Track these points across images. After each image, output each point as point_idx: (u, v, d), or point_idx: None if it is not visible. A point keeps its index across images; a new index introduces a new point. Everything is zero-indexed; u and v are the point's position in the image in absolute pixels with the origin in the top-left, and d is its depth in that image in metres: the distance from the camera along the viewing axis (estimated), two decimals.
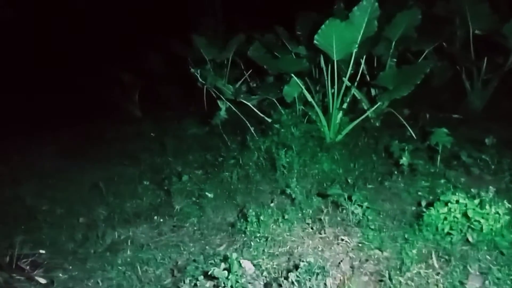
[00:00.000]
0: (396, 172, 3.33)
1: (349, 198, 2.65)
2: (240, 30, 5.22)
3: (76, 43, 7.67)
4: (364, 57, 4.09)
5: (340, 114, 4.17)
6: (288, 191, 2.98)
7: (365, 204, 2.62)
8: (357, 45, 3.63)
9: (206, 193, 3.21)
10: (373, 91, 4.68)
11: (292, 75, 3.97)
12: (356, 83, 4.21)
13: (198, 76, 3.75)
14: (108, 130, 5.50)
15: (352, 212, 2.65)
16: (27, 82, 7.31)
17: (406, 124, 4.18)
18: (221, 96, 4.12)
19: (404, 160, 3.20)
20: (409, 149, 3.27)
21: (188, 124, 5.11)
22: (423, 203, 2.67)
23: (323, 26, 3.47)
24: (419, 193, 2.97)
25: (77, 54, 7.53)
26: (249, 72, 5.49)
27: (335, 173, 3.38)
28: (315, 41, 3.60)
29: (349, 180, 3.29)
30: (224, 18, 5.96)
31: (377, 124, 4.54)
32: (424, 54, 4.48)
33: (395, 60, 4.48)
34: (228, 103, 4.10)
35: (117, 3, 7.55)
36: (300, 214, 2.78)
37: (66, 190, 3.58)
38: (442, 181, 3.08)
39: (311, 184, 3.24)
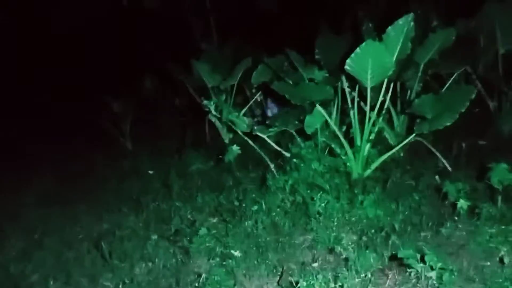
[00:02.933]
0: (450, 216, 2.86)
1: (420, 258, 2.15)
2: (246, 53, 4.77)
3: (62, 65, 7.05)
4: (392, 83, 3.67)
5: (368, 146, 3.71)
6: (332, 245, 2.48)
7: (439, 265, 2.13)
8: (393, 70, 3.19)
9: (232, 252, 2.67)
10: (395, 120, 4.28)
11: (317, 104, 3.49)
12: (384, 112, 3.78)
13: (212, 108, 3.23)
14: (98, 166, 4.89)
15: (425, 277, 2.15)
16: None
17: (439, 155, 3.79)
18: (235, 129, 3.60)
19: (462, 203, 2.73)
20: (465, 189, 2.82)
21: (190, 159, 4.54)
22: (506, 260, 2.20)
23: (358, 49, 3.03)
24: (491, 244, 2.49)
25: (62, 77, 6.91)
26: (253, 99, 5.04)
27: (379, 218, 2.88)
28: (346, 67, 3.14)
29: (396, 227, 2.81)
30: (226, 41, 5.49)
31: (401, 155, 4.10)
32: (453, 77, 4.09)
33: (421, 85, 4.09)
34: (244, 136, 3.58)
35: (111, 26, 7.02)
36: (357, 279, 2.26)
37: (57, 251, 2.96)
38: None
39: (357, 235, 2.73)
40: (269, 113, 5.27)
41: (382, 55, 3.04)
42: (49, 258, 2.85)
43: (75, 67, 6.86)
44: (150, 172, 4.50)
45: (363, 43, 3.01)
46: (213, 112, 3.26)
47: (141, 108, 5.64)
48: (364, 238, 2.69)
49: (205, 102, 3.18)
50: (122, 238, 3.01)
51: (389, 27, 3.25)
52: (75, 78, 6.67)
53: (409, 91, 4.16)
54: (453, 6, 4.80)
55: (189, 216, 3.27)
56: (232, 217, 3.14)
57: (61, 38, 7.17)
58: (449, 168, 3.71)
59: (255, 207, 3.11)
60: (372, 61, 3.05)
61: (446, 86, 4.14)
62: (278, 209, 3.10)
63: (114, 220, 3.39)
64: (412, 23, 3.25)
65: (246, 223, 3.01)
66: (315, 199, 2.94)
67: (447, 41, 3.71)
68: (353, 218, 2.87)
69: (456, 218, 2.79)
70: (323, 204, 2.93)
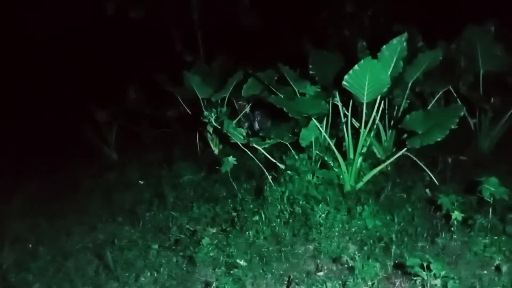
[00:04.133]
0: (444, 227, 2.99)
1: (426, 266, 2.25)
2: (233, 67, 4.84)
3: (45, 73, 6.89)
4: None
5: (360, 159, 3.83)
6: (335, 254, 2.54)
7: (443, 273, 2.23)
8: (388, 87, 3.33)
9: (237, 260, 2.69)
10: (383, 135, 4.43)
11: (313, 118, 3.59)
12: (374, 127, 3.92)
13: (213, 120, 3.26)
14: (85, 178, 4.79)
15: (431, 284, 2.24)
16: None
17: (426, 169, 3.95)
18: (231, 141, 3.64)
19: (457, 215, 2.86)
20: (459, 201, 2.96)
21: (180, 170, 4.53)
22: (504, 268, 2.33)
23: (356, 66, 3.15)
24: (486, 253, 2.63)
25: (44, 85, 6.75)
26: (243, 112, 5.11)
27: (377, 229, 2.97)
28: (344, 82, 3.26)
29: (393, 238, 2.91)
30: (212, 55, 5.56)
31: (389, 168, 4.25)
32: (438, 95, 4.30)
33: (408, 102, 4.28)
34: (244, 148, 3.62)
35: (95, 34, 6.94)
36: (365, 287, 2.34)
37: (55, 261, 2.89)
38: (504, 237, 2.76)
39: (358, 245, 2.81)
40: (257, 125, 5.35)
41: (379, 72, 3.18)
42: (48, 268, 2.77)
43: (59, 75, 6.73)
44: (141, 182, 4.46)
45: (361, 61, 3.14)
46: (213, 123, 3.29)
47: (125, 118, 5.57)
48: (365, 248, 2.77)
49: (205, 113, 3.21)
50: (122, 248, 2.98)
51: (384, 46, 3.40)
52: (58, 86, 6.54)
53: (396, 108, 4.34)
54: (434, 27, 5.08)
55: (187, 226, 3.27)
56: (232, 227, 3.16)
57: (44, 46, 7.02)
58: (436, 182, 3.88)
59: (255, 217, 3.15)
60: (369, 78, 3.18)
61: (431, 103, 4.35)
62: (278, 220, 3.14)
63: (109, 231, 3.34)
64: (405, 43, 3.42)
65: (247, 233, 3.04)
66: (315, 209, 3.00)
67: (434, 61, 3.91)
68: (353, 229, 2.95)
69: (450, 229, 2.91)
70: (323, 215, 2.99)
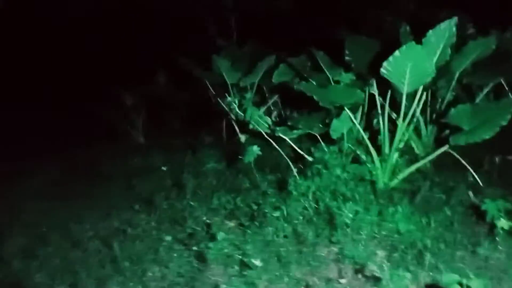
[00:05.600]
0: (487, 236, 2.66)
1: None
2: (265, 52, 4.57)
3: (72, 58, 6.87)
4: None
5: (397, 155, 3.51)
6: (361, 260, 2.28)
7: None
8: (432, 76, 2.98)
9: (252, 260, 2.47)
10: (423, 130, 4.07)
11: (346, 108, 3.30)
12: (414, 120, 3.58)
13: (236, 107, 3.04)
14: (108, 161, 4.70)
15: None
16: (8, 94, 6.40)
17: (470, 169, 3.58)
18: (259, 129, 3.40)
19: (503, 223, 2.52)
20: (507, 208, 2.61)
21: (204, 157, 4.35)
22: None
23: (396, 52, 2.83)
24: None
25: (71, 70, 6.73)
26: (272, 100, 4.85)
27: (411, 234, 2.67)
28: (382, 70, 2.94)
29: (428, 244, 2.60)
30: (245, 39, 5.31)
31: (428, 166, 3.89)
32: (488, 88, 3.89)
33: (453, 94, 3.90)
34: (267, 137, 3.37)
35: (123, 15, 6.84)
36: None
37: (63, 248, 2.77)
38: None
39: (388, 250, 2.53)
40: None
41: (423, 60, 2.84)
42: (55, 257, 2.65)
43: (88, 59, 6.68)
44: (164, 168, 4.31)
45: (403, 46, 2.81)
46: (237, 110, 3.06)
47: (154, 103, 5.44)
48: (395, 254, 2.48)
49: (228, 99, 2.98)
50: (133, 238, 2.82)
51: (430, 31, 3.05)
52: (87, 71, 6.48)
53: (439, 100, 3.97)
54: (486, 13, 4.60)
55: (204, 218, 3.08)
56: (250, 222, 2.94)
57: (74, 30, 6.99)
58: (481, 184, 3.51)
59: (276, 213, 2.91)
60: (411, 65, 2.85)
61: (480, 97, 3.93)
62: (301, 217, 2.90)
63: (124, 218, 3.20)
64: (454, 29, 3.06)
65: (266, 230, 2.82)
66: (342, 208, 2.73)
67: (486, 50, 3.51)
68: (383, 232, 2.66)
69: (494, 238, 2.58)
70: (351, 215, 2.72)
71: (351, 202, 2.86)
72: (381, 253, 2.51)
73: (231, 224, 3.02)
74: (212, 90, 4.92)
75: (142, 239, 2.83)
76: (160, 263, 2.54)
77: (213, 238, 2.70)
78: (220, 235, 2.65)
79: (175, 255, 2.62)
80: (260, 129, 3.27)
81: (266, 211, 2.99)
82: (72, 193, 3.79)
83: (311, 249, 2.62)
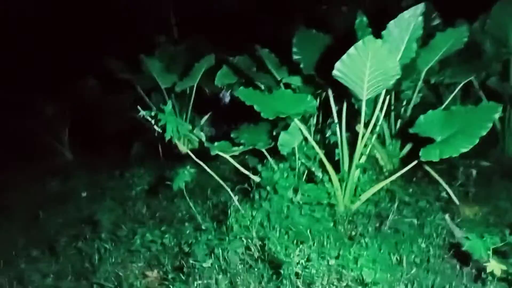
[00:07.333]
0: (472, 279, 2.12)
1: None
2: (206, 51, 3.91)
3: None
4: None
5: (358, 172, 2.93)
6: None
7: None
8: (398, 77, 2.40)
9: None
10: (387, 138, 3.53)
11: (294, 119, 2.67)
12: (377, 129, 3.02)
13: (152, 122, 2.35)
14: (19, 187, 3.92)
15: None
16: None
17: (444, 184, 3.08)
18: (187, 147, 2.73)
19: (494, 266, 1.96)
20: (496, 244, 2.06)
21: (134, 178, 3.64)
22: None
23: (351, 49, 2.22)
24: None
25: None
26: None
27: (377, 286, 2.07)
28: (335, 72, 2.34)
29: None
30: (182, 36, 4.64)
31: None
32: (459, 88, 3.38)
33: (420, 96, 3.37)
34: (198, 161, 2.69)
35: (57, 14, 5.99)
36: None
37: None
38: None
39: None
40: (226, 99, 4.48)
41: (384, 57, 2.25)
42: None
43: (18, 60, 5.79)
44: (83, 194, 3.58)
45: (359, 41, 2.20)
46: (154, 126, 2.38)
47: (80, 112, 4.67)
48: None
49: (141, 112, 2.29)
50: None
51: (391, 22, 2.48)
52: (14, 73, 5.60)
53: (405, 103, 3.43)
54: (452, 2, 4.10)
55: (118, 268, 2.39)
56: (176, 274, 2.28)
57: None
58: (456, 201, 3.00)
59: (209, 261, 2.26)
60: (370, 65, 2.26)
61: (449, 99, 3.41)
62: (238, 263, 2.26)
63: (16, 270, 2.47)
64: (420, 18, 2.49)
65: (194, 284, 2.16)
66: (292, 254, 2.11)
67: (456, 44, 3.00)
68: (343, 284, 2.05)
69: (484, 282, 2.03)
70: (303, 261, 2.10)
71: (304, 242, 2.25)
72: None
73: (153, 275, 2.35)
74: (144, 96, 4.21)
75: None
76: None
77: None
78: None
79: None
80: (188, 147, 2.59)
81: (198, 256, 2.33)
82: None
83: None
